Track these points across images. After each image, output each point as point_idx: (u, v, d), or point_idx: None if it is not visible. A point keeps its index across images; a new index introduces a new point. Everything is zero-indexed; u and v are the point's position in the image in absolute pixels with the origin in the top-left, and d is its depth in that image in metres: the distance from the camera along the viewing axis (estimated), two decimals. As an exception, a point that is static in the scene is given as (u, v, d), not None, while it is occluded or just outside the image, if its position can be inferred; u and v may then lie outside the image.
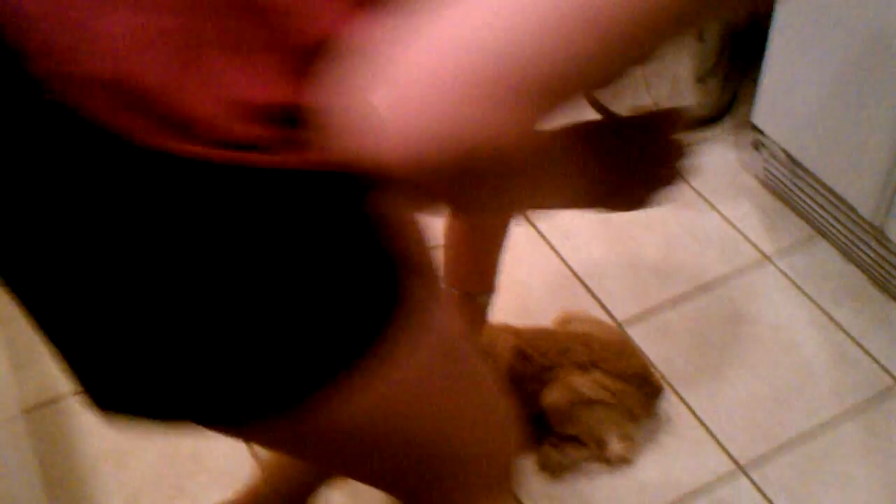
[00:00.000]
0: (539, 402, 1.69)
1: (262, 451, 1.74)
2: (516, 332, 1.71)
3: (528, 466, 1.71)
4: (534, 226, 2.14)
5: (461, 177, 0.62)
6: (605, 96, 2.24)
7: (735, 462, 1.72)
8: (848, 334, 1.91)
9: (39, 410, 1.83)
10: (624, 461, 1.71)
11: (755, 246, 2.08)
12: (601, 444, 1.69)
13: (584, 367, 1.67)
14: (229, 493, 1.68)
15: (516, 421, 1.10)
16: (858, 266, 2.02)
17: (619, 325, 1.94)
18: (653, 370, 1.77)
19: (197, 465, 1.74)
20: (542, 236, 2.11)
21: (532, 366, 1.67)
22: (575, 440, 1.70)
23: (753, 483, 1.68)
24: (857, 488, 1.68)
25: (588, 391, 1.66)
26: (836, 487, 1.68)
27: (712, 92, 2.31)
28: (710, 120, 2.36)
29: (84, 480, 1.72)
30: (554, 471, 1.70)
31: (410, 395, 0.89)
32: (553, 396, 1.67)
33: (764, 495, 1.67)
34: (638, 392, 1.71)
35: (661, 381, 1.76)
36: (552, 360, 1.67)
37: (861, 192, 1.91)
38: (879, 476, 1.69)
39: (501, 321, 1.73)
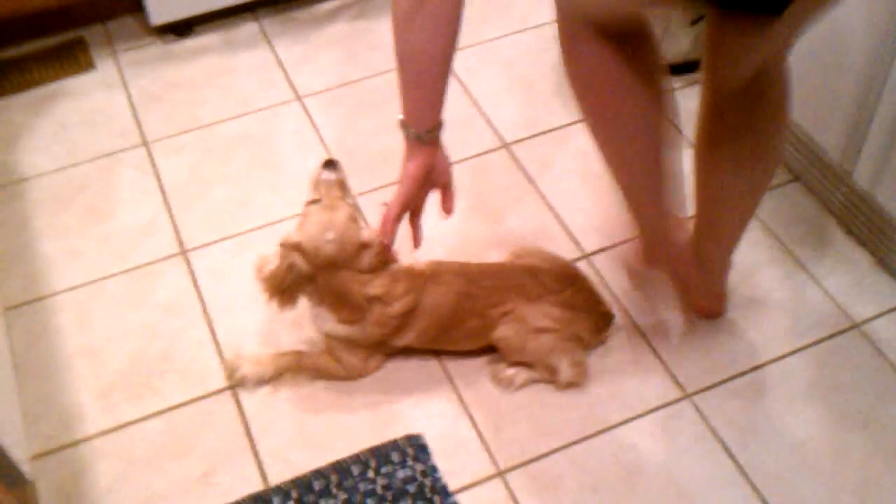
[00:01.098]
0: (486, 337, 1.75)
1: (227, 356, 1.82)
2: (465, 272, 1.75)
3: (481, 383, 1.78)
4: (514, 157, 2.18)
5: None
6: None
7: (682, 388, 1.76)
8: (809, 273, 1.93)
9: (24, 308, 1.92)
10: (574, 385, 1.76)
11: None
12: (552, 371, 1.75)
13: (531, 299, 1.72)
14: (197, 392, 1.77)
15: None
16: (828, 209, 2.04)
17: (586, 254, 1.98)
18: (603, 299, 1.82)
19: (166, 364, 1.83)
20: (521, 167, 2.16)
21: (478, 303, 1.72)
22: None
23: (697, 409, 1.73)
24: (797, 420, 1.71)
25: (536, 321, 1.71)
26: (777, 418, 1.72)
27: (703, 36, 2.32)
28: (699, 63, 2.37)
29: (58, 375, 1.82)
30: (506, 386, 1.76)
31: None
32: (502, 330, 1.73)
33: (706, 421, 1.71)
34: (587, 319, 1.76)
35: (611, 309, 1.81)
36: (501, 295, 1.72)
37: (830, 138, 1.93)
38: (821, 410, 1.73)
39: (454, 260, 1.80)
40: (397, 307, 1.70)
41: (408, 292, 1.71)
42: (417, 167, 1.58)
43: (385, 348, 1.78)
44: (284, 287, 1.67)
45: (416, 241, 1.71)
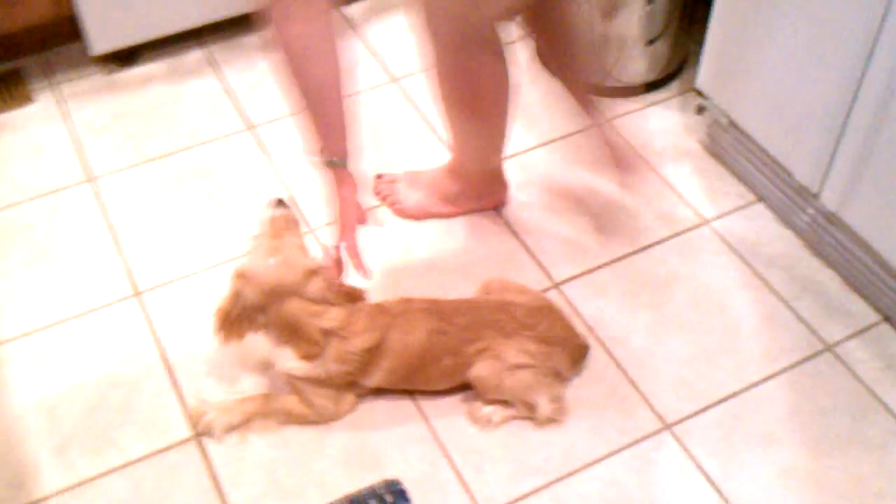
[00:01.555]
0: (463, 376, 1.70)
1: (191, 403, 1.74)
2: (437, 310, 1.71)
3: (458, 422, 1.72)
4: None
5: None
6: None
7: (661, 419, 1.73)
8: (779, 297, 1.92)
9: (-31, 359, 1.82)
10: (554, 421, 1.72)
11: (694, 209, 2.09)
12: (530, 407, 1.70)
13: (507, 335, 1.67)
14: (159, 443, 1.69)
15: None
16: (794, 231, 2.03)
17: (556, 285, 1.94)
18: (578, 331, 1.78)
19: (125, 416, 1.74)
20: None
21: (452, 340, 1.67)
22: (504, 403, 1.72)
23: (678, 440, 1.70)
24: (779, 447, 1.70)
25: (512, 358, 1.66)
26: (758, 446, 1.70)
27: (660, 55, 2.31)
28: (658, 83, 2.36)
29: (9, 431, 1.72)
30: (484, 425, 1.71)
31: None
32: (478, 369, 1.68)
33: (688, 452, 1.69)
34: (563, 352, 1.72)
35: (587, 341, 1.77)
36: (475, 332, 1.68)
37: (798, 158, 1.92)
38: (801, 436, 1.71)
39: (422, 296, 1.74)
40: (358, 343, 1.64)
41: (369, 328, 1.65)
42: (352, 192, 1.67)
43: (355, 389, 1.72)
44: (232, 318, 1.61)
45: (365, 271, 1.72)
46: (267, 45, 1.56)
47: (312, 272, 1.62)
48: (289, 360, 1.65)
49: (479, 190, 2.04)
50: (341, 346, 1.64)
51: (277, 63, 1.56)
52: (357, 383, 1.70)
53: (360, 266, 1.71)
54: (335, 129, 1.63)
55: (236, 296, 1.60)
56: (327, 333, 1.63)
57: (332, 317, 1.64)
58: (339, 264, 1.72)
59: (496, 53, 1.76)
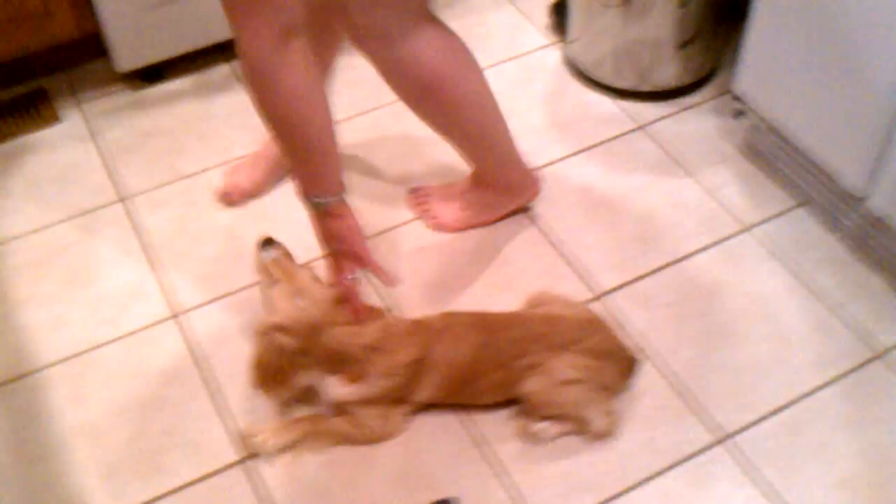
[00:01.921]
0: (512, 390, 1.68)
1: (239, 425, 1.71)
2: (482, 323, 1.69)
3: (509, 439, 1.70)
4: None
5: None
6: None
7: (715, 432, 1.71)
8: (828, 305, 1.90)
9: (10, 385, 1.79)
10: (607, 436, 1.69)
11: (735, 215, 2.06)
12: (583, 423, 1.68)
13: (555, 350, 1.65)
14: (203, 469, 1.67)
15: None
16: (838, 235, 2.01)
17: (598, 297, 1.92)
18: (627, 343, 1.75)
19: (170, 439, 1.71)
20: (523, 207, 2.09)
21: (500, 355, 1.65)
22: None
23: (733, 453, 1.68)
24: (836, 457, 1.67)
25: (563, 373, 1.64)
26: (815, 457, 1.67)
27: (694, 59, 2.29)
28: (690, 87, 2.34)
29: (57, 457, 1.69)
30: (536, 441, 1.69)
31: None
32: (529, 385, 1.66)
33: (745, 465, 1.66)
34: (613, 367, 1.69)
35: (637, 354, 1.74)
36: (524, 346, 1.65)
37: (844, 162, 1.89)
38: (858, 445, 1.68)
39: (465, 309, 1.73)
40: (402, 356, 1.63)
41: (410, 342, 1.64)
42: (356, 218, 1.65)
43: (404, 406, 1.70)
44: (278, 371, 1.61)
45: (386, 276, 1.72)
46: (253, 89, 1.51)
47: (338, 298, 1.63)
48: (338, 388, 1.63)
49: (510, 190, 2.02)
50: (385, 360, 1.63)
51: (267, 105, 1.52)
52: (406, 399, 1.68)
53: (388, 277, 1.72)
54: (335, 164, 1.61)
55: (277, 349, 1.59)
56: (370, 349, 1.62)
57: (371, 332, 1.63)
58: (354, 293, 1.71)
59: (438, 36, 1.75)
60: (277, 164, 2.08)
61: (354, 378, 1.63)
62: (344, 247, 1.67)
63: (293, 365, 1.61)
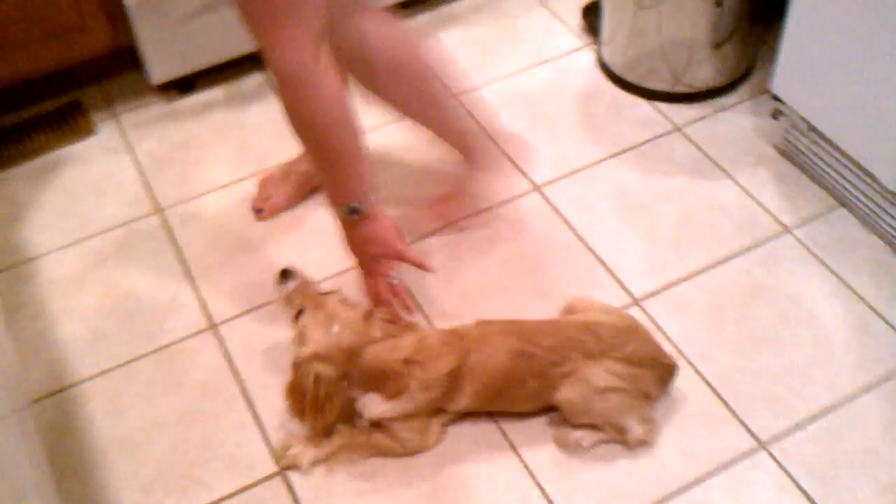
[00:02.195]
0: (548, 398, 1.66)
1: (276, 437, 1.72)
2: (518, 331, 1.67)
3: (545, 448, 1.68)
4: (547, 200, 2.09)
5: None
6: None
7: (756, 438, 1.68)
8: (869, 305, 1.86)
9: (48, 400, 1.81)
10: (645, 444, 1.67)
11: (774, 216, 2.03)
12: (621, 431, 1.66)
13: (593, 357, 1.63)
14: (245, 480, 1.67)
15: None
16: (879, 236, 1.97)
17: (636, 301, 1.90)
18: (665, 349, 1.73)
19: (208, 452, 1.72)
20: (556, 210, 2.07)
21: (536, 363, 1.63)
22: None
23: (775, 459, 1.65)
24: (879, 462, 1.64)
25: (601, 381, 1.62)
26: (858, 462, 1.64)
27: (729, 58, 2.25)
28: (726, 87, 2.31)
29: (94, 471, 1.71)
30: (573, 450, 1.67)
31: None
32: (566, 393, 1.64)
33: (786, 472, 1.63)
34: (651, 374, 1.67)
35: (675, 360, 1.72)
36: (561, 354, 1.64)
37: (883, 161, 1.86)
38: (904, 451, 1.65)
39: (501, 317, 1.71)
40: (440, 367, 1.62)
41: (446, 352, 1.63)
42: (390, 216, 1.71)
43: (441, 416, 1.69)
44: (321, 401, 1.61)
45: (427, 265, 1.80)
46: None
47: (368, 316, 1.64)
48: (377, 406, 1.63)
49: (470, 157, 2.02)
50: (423, 373, 1.62)
51: (306, 113, 1.54)
52: (443, 409, 1.68)
53: (430, 265, 1.80)
54: (367, 167, 1.64)
55: (318, 379, 1.59)
56: (408, 362, 1.62)
57: (406, 345, 1.64)
58: (400, 292, 1.78)
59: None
60: (308, 177, 2.08)
61: (394, 394, 1.63)
62: (381, 249, 1.70)
63: (335, 392, 1.61)
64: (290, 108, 1.53)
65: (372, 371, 1.61)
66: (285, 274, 1.71)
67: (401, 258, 1.73)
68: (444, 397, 1.65)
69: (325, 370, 1.58)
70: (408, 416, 1.65)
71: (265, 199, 2.10)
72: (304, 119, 1.53)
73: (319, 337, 1.60)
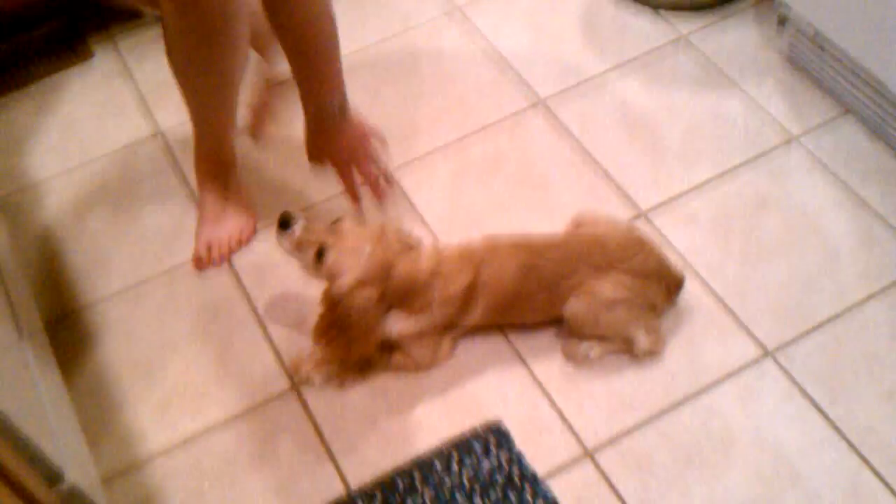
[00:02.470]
0: (557, 310, 1.67)
1: (287, 356, 1.73)
2: (527, 245, 1.67)
3: (554, 360, 1.70)
4: (552, 114, 2.08)
5: None
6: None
7: (762, 347, 1.70)
8: (877, 214, 1.86)
9: (62, 322, 1.83)
10: (652, 354, 1.69)
11: (781, 126, 2.02)
12: (628, 342, 1.68)
13: (600, 270, 1.64)
14: (257, 399, 1.69)
15: None
16: (887, 144, 1.96)
17: (641, 214, 1.90)
18: (672, 261, 1.73)
19: (222, 371, 1.74)
20: (563, 125, 2.06)
21: (545, 275, 1.64)
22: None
23: (781, 367, 1.67)
24: (884, 369, 1.66)
25: (608, 292, 1.63)
26: (863, 369, 1.66)
27: (733, -34, 2.22)
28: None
29: (112, 391, 1.73)
30: (581, 361, 1.69)
31: None
32: (573, 305, 1.65)
33: (792, 379, 1.65)
34: (658, 285, 1.68)
35: (681, 272, 1.73)
36: (569, 266, 1.64)
37: (892, 67, 1.84)
38: (909, 356, 1.67)
39: (511, 232, 1.71)
40: (460, 281, 1.63)
41: (464, 267, 1.64)
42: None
43: (453, 331, 1.71)
44: (366, 330, 1.60)
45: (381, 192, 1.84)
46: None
47: (383, 230, 1.62)
48: (400, 323, 1.63)
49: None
50: (445, 287, 1.63)
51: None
52: (456, 324, 1.69)
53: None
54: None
55: (366, 304, 1.57)
56: (434, 274, 1.62)
57: (428, 259, 1.63)
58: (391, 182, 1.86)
59: None
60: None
61: (420, 308, 1.64)
62: (362, 142, 1.79)
63: (376, 317, 1.61)
64: (269, 8, 1.51)
65: (403, 286, 1.60)
66: (286, 220, 1.62)
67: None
68: (459, 311, 1.67)
69: (371, 294, 1.57)
70: (422, 334, 1.66)
71: (258, 124, 2.11)
72: (292, 17, 1.52)
73: (354, 263, 1.57)
